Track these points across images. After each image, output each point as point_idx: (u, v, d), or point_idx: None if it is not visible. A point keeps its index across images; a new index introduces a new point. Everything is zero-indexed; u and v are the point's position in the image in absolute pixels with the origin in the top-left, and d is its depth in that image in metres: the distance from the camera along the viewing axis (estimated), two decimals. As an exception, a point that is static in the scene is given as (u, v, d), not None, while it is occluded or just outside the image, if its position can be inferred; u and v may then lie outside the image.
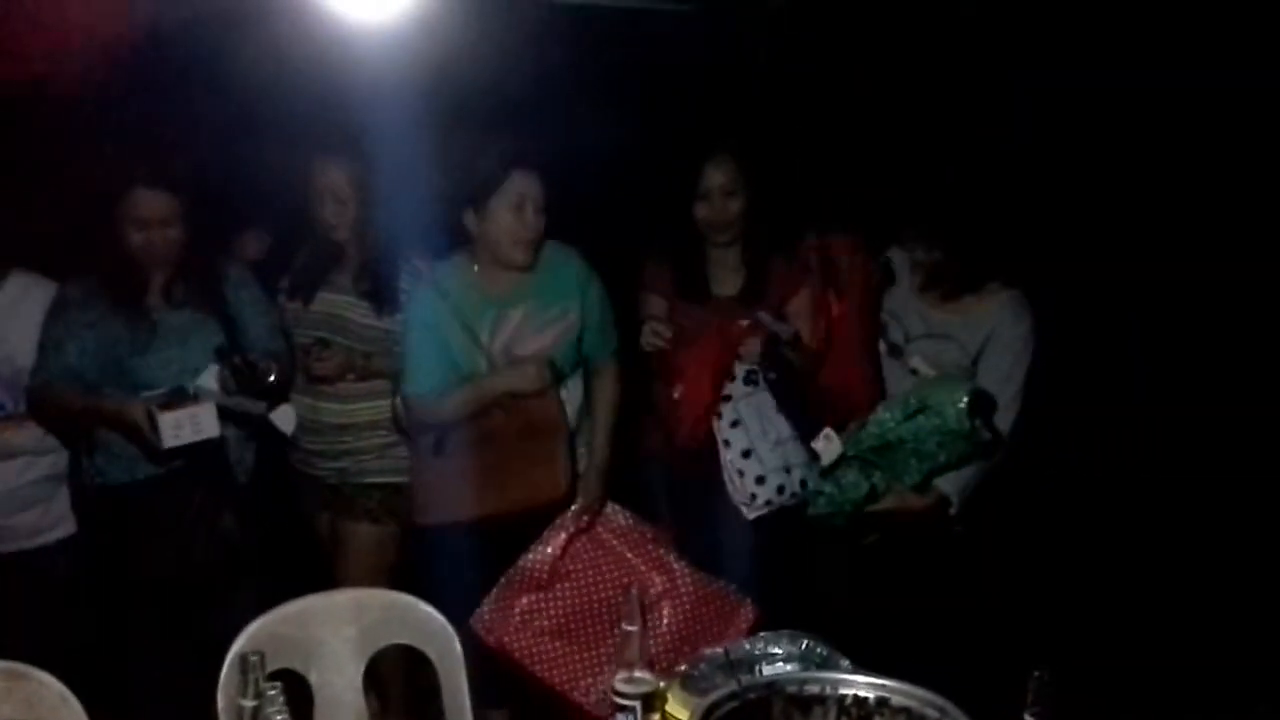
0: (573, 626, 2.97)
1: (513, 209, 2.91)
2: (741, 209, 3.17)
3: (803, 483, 3.18)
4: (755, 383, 3.17)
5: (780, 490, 3.16)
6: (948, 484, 3.16)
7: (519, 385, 2.93)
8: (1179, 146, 4.02)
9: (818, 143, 3.93)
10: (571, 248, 3.09)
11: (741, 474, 3.16)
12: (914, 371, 3.20)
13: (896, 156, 3.79)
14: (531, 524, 2.98)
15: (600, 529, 3.05)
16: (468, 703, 2.22)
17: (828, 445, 3.13)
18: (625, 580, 2.95)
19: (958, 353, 3.17)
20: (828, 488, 3.19)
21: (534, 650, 2.95)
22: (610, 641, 2.90)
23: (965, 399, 2.99)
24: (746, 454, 3.16)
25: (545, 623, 2.96)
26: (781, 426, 3.16)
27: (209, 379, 2.92)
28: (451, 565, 2.88)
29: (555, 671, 2.95)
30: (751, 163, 3.19)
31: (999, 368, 3.14)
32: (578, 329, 3.04)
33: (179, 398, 2.86)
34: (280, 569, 3.08)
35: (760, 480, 3.14)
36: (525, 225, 2.92)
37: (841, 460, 3.15)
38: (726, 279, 3.24)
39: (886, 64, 4.13)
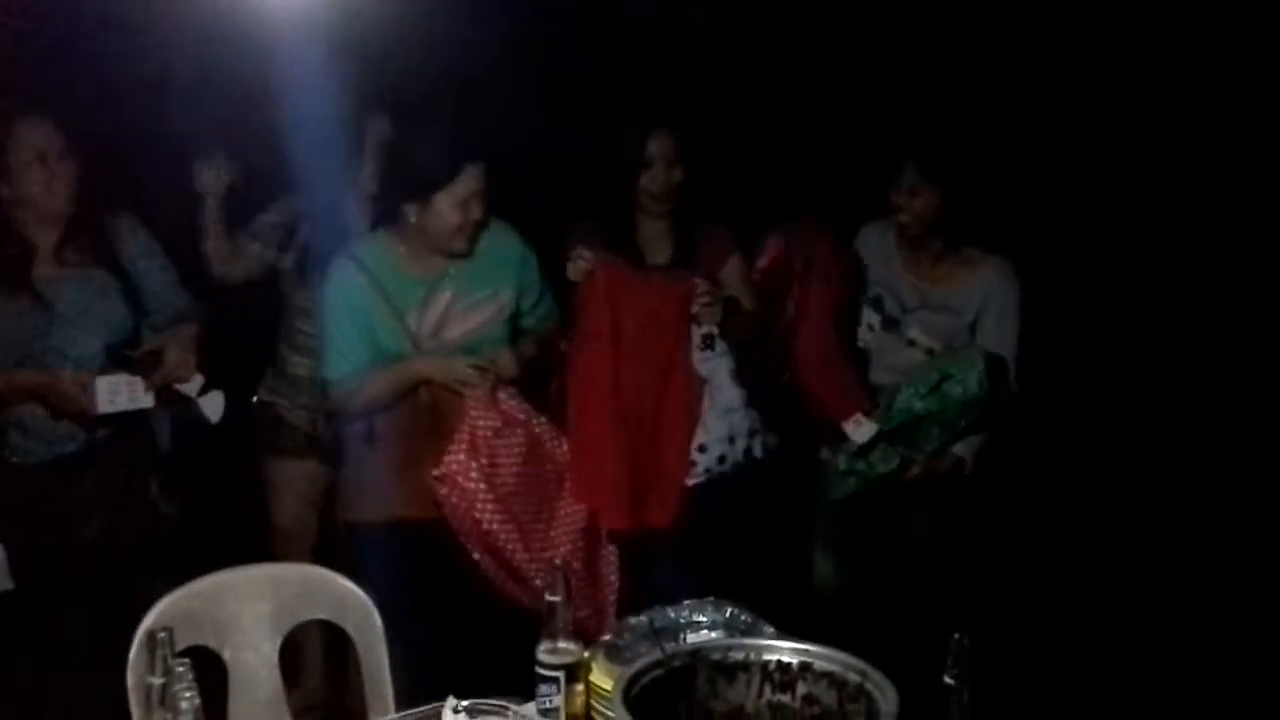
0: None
1: (458, 205, 2.80)
2: (682, 179, 3.15)
3: (747, 451, 3.15)
4: (711, 347, 3.14)
5: (721, 460, 3.11)
6: (962, 447, 3.28)
7: (441, 375, 2.83)
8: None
9: (768, 113, 3.93)
10: (510, 226, 2.99)
11: None
12: (911, 343, 3.30)
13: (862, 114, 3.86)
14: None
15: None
16: (388, 676, 2.19)
17: (858, 428, 3.21)
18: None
19: (955, 322, 3.27)
20: (859, 465, 3.28)
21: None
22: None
23: (983, 364, 3.12)
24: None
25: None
26: (732, 394, 3.12)
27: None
28: (382, 565, 2.69)
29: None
30: (692, 133, 3.18)
31: (994, 333, 3.26)
32: (510, 310, 2.97)
33: (114, 365, 2.81)
34: (203, 540, 3.00)
35: (702, 449, 3.10)
36: (469, 219, 2.82)
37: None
38: (657, 249, 3.21)
39: (832, 24, 4.12)
